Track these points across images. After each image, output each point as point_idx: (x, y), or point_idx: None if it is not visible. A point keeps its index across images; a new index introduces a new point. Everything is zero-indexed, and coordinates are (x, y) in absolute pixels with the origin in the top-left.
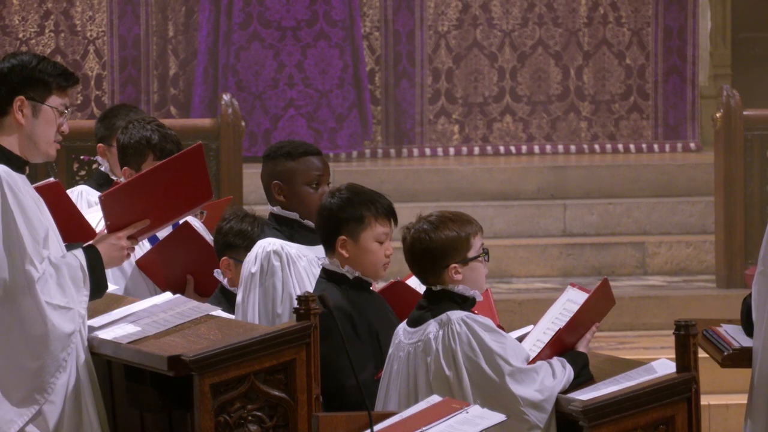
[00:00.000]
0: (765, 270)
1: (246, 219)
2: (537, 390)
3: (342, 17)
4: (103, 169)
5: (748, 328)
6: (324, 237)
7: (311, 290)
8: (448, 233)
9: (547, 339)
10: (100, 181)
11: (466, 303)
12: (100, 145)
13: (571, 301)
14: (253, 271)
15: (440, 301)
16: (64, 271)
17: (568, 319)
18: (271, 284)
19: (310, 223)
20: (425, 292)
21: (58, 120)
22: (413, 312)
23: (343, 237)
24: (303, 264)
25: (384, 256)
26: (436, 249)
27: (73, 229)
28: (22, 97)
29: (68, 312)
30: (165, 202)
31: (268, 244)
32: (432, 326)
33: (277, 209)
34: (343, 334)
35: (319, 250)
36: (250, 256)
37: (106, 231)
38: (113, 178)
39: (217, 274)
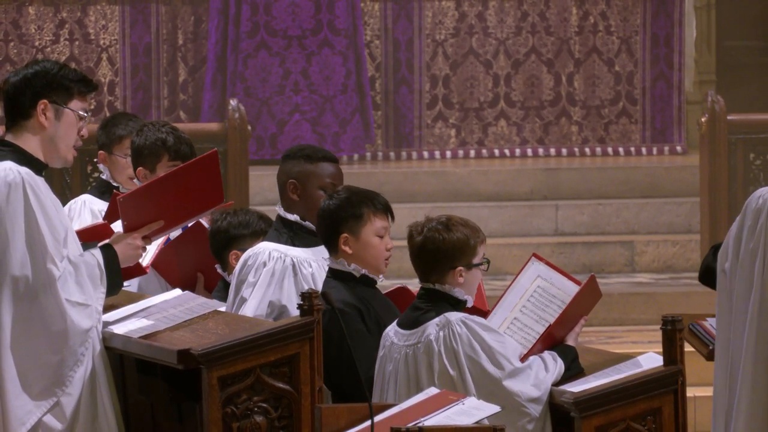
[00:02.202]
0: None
1: (238, 213)
2: (533, 385)
3: (345, 26)
4: (104, 177)
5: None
6: (326, 237)
7: (285, 291)
8: (460, 236)
9: (525, 319)
10: (103, 189)
11: (459, 305)
12: (101, 152)
13: (542, 278)
14: (234, 276)
15: (437, 302)
16: (83, 269)
17: (546, 300)
18: (241, 289)
19: (310, 225)
20: (421, 292)
21: (78, 124)
22: (407, 313)
23: (345, 234)
24: (281, 266)
25: (385, 250)
26: (447, 250)
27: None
28: (45, 100)
29: (86, 309)
30: (179, 205)
31: (249, 250)
32: (431, 328)
33: (281, 210)
34: (346, 329)
35: (318, 252)
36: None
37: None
38: (114, 185)
39: (218, 269)
